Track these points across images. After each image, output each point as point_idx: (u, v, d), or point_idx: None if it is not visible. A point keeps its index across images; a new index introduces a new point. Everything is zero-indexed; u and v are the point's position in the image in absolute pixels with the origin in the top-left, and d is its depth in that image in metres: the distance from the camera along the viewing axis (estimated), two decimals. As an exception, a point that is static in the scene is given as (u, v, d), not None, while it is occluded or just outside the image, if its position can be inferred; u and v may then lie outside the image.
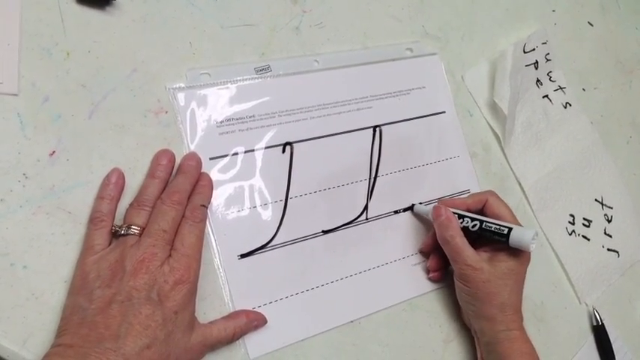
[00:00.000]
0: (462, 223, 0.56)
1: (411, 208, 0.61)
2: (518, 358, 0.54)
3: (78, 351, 0.38)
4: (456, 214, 0.56)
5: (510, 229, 0.53)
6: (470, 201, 0.58)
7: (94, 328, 0.39)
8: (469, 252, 0.54)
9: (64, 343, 0.39)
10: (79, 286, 0.42)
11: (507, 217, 0.56)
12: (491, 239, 0.55)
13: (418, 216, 0.61)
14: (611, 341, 0.68)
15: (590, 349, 0.68)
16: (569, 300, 0.69)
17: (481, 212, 0.58)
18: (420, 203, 0.61)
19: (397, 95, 0.63)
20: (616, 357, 0.68)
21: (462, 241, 0.54)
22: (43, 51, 0.47)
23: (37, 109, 0.46)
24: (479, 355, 0.58)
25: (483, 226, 0.55)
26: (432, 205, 0.59)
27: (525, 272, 0.57)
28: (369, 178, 0.59)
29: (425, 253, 0.61)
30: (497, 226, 0.54)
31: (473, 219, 0.56)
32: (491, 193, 0.59)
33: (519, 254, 0.55)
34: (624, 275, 0.74)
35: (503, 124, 0.68)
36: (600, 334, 0.68)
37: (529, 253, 0.55)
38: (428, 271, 0.60)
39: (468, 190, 0.65)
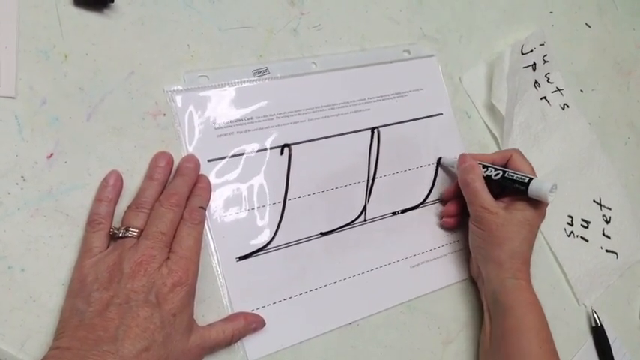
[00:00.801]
0: (485, 172, 0.58)
1: (437, 162, 0.64)
2: (523, 308, 0.55)
3: (76, 353, 0.38)
4: (480, 164, 0.59)
5: (531, 178, 0.56)
6: (495, 156, 0.61)
7: (92, 331, 0.39)
8: (487, 196, 0.56)
9: (62, 346, 0.39)
10: (77, 288, 0.42)
11: (529, 173, 0.58)
12: (512, 188, 0.57)
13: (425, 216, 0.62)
14: (610, 342, 0.68)
15: (589, 350, 0.68)
16: (567, 301, 0.69)
17: (504, 167, 0.60)
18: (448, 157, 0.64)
19: (395, 97, 0.63)
20: (615, 358, 0.68)
21: (481, 185, 0.57)
22: (40, 54, 0.47)
23: (34, 111, 0.46)
24: (484, 306, 0.59)
25: (505, 175, 0.57)
26: (458, 155, 0.61)
27: (539, 226, 0.58)
28: (368, 180, 0.60)
29: (445, 200, 0.63)
30: (519, 176, 0.56)
31: (496, 169, 0.58)
32: (516, 150, 0.61)
33: (536, 207, 0.57)
34: (623, 276, 0.74)
35: (501, 125, 0.69)
36: (599, 335, 0.68)
37: (544, 208, 0.58)
38: (441, 217, 0.62)
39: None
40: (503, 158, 0.60)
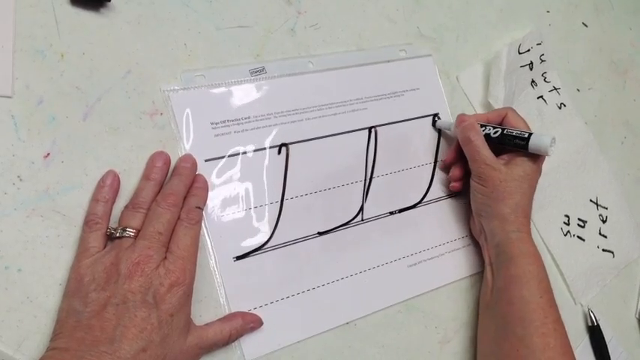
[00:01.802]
0: (483, 130, 0.60)
1: (433, 124, 0.65)
2: (527, 258, 0.56)
3: (73, 354, 0.38)
4: (478, 123, 0.60)
5: (530, 133, 0.57)
6: (490, 115, 0.62)
7: (90, 332, 0.39)
8: (488, 153, 0.58)
9: (59, 347, 0.39)
10: (74, 289, 0.42)
11: (525, 129, 0.59)
12: (512, 144, 0.58)
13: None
14: (607, 341, 0.68)
15: (586, 350, 0.69)
16: (564, 300, 0.69)
17: (500, 125, 0.61)
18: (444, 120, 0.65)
19: (392, 96, 0.63)
20: (611, 357, 0.68)
21: (482, 142, 0.58)
22: (37, 53, 0.47)
23: (31, 111, 0.46)
24: (486, 260, 0.60)
25: (505, 132, 0.58)
26: (455, 116, 0.62)
27: (537, 180, 0.60)
28: (365, 180, 0.59)
29: (447, 164, 0.64)
30: (518, 132, 0.58)
31: (494, 127, 0.59)
32: (510, 108, 0.62)
33: (534, 161, 0.58)
34: (619, 275, 0.74)
35: (498, 124, 0.69)
36: (595, 334, 0.69)
37: (542, 163, 0.60)
38: (449, 182, 0.64)
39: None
40: (499, 116, 0.61)
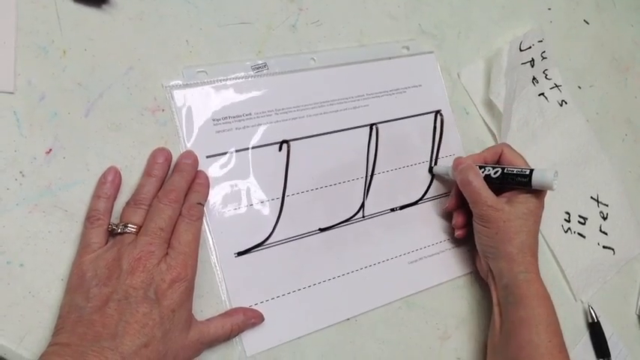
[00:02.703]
0: (483, 171, 0.58)
1: (429, 170, 0.64)
2: (536, 300, 0.55)
3: (75, 350, 0.38)
4: (476, 165, 0.59)
5: (532, 170, 0.56)
6: (486, 154, 0.61)
7: (91, 327, 0.39)
8: (489, 193, 0.56)
9: (60, 342, 0.39)
10: (76, 284, 0.42)
11: (523, 165, 0.59)
12: (515, 183, 0.57)
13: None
14: (607, 338, 0.69)
15: (586, 346, 0.69)
16: (564, 297, 0.69)
17: (498, 163, 0.60)
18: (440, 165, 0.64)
19: (393, 93, 0.63)
20: (611, 354, 0.68)
21: (481, 183, 0.57)
22: (39, 49, 0.47)
23: (33, 107, 0.46)
24: (494, 300, 0.58)
25: (505, 171, 0.57)
26: (452, 160, 0.61)
27: (541, 216, 0.58)
28: (366, 176, 0.60)
29: (449, 211, 0.62)
30: (519, 169, 0.57)
31: (494, 167, 0.58)
32: (505, 144, 0.61)
33: (537, 197, 0.57)
34: (620, 272, 0.74)
35: (499, 121, 0.69)
36: (596, 331, 0.69)
37: (544, 197, 0.58)
38: (454, 230, 0.62)
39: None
40: (495, 154, 0.60)
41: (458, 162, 0.59)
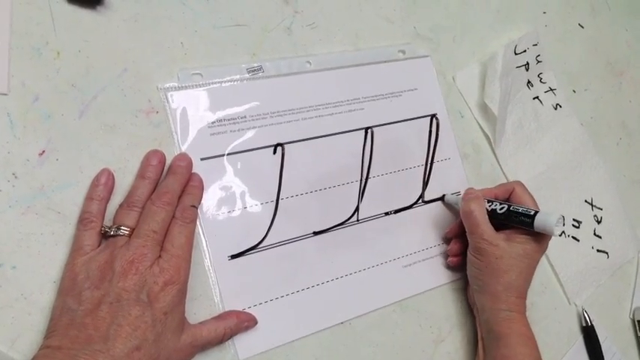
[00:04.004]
0: (490, 205, 0.58)
1: (441, 198, 0.64)
2: (516, 339, 0.54)
3: (67, 353, 0.38)
4: (485, 198, 0.59)
5: (536, 212, 0.55)
6: (497, 190, 0.60)
7: (83, 330, 0.39)
8: (488, 227, 0.56)
9: (52, 345, 0.39)
10: (68, 287, 0.42)
11: (532, 205, 0.58)
12: (517, 222, 0.56)
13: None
14: (601, 342, 0.69)
15: (580, 350, 0.69)
16: (558, 301, 0.69)
17: (507, 201, 0.60)
18: (452, 194, 0.64)
19: (389, 97, 0.63)
20: (605, 357, 0.68)
21: (483, 215, 0.56)
22: (33, 50, 0.47)
23: (26, 108, 0.46)
24: (479, 334, 0.59)
25: (511, 208, 0.57)
26: (463, 192, 0.60)
27: (538, 260, 0.58)
28: (361, 180, 0.60)
29: (448, 238, 0.62)
30: (525, 209, 0.56)
31: (501, 203, 0.58)
32: (518, 182, 0.61)
33: (538, 240, 0.56)
34: (614, 276, 0.75)
35: (493, 125, 0.69)
36: (590, 334, 0.69)
37: (547, 242, 0.57)
38: (447, 256, 0.62)
39: (458, 192, 0.65)
40: (506, 191, 0.60)
41: (468, 192, 0.59)
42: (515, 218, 0.56)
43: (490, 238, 0.55)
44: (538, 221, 0.54)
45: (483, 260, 0.56)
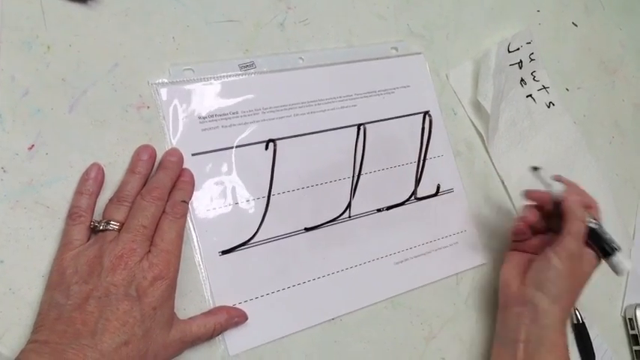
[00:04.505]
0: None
1: (534, 169, 0.61)
2: (565, 351, 0.56)
3: (54, 347, 0.38)
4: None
5: (618, 249, 0.57)
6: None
7: (71, 324, 0.39)
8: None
9: (40, 339, 0.39)
10: (57, 281, 0.42)
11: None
12: (597, 244, 0.57)
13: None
14: (592, 339, 0.69)
15: (571, 348, 0.68)
16: (550, 298, 0.69)
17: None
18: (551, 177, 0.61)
19: (382, 94, 0.63)
20: (596, 355, 0.69)
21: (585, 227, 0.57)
22: (23, 44, 0.47)
23: (16, 102, 0.46)
24: (521, 336, 0.55)
25: (600, 229, 0.58)
26: (563, 183, 0.59)
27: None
28: (353, 176, 0.59)
29: (528, 199, 0.61)
30: (611, 238, 0.57)
31: (595, 218, 0.58)
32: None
33: (595, 264, 0.58)
34: (605, 274, 0.74)
35: (486, 122, 0.69)
36: (581, 332, 0.69)
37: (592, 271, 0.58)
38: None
39: (451, 189, 0.65)
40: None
41: (581, 197, 0.59)
42: (597, 239, 0.57)
43: (582, 248, 0.56)
44: (614, 260, 0.57)
45: (565, 265, 0.55)
